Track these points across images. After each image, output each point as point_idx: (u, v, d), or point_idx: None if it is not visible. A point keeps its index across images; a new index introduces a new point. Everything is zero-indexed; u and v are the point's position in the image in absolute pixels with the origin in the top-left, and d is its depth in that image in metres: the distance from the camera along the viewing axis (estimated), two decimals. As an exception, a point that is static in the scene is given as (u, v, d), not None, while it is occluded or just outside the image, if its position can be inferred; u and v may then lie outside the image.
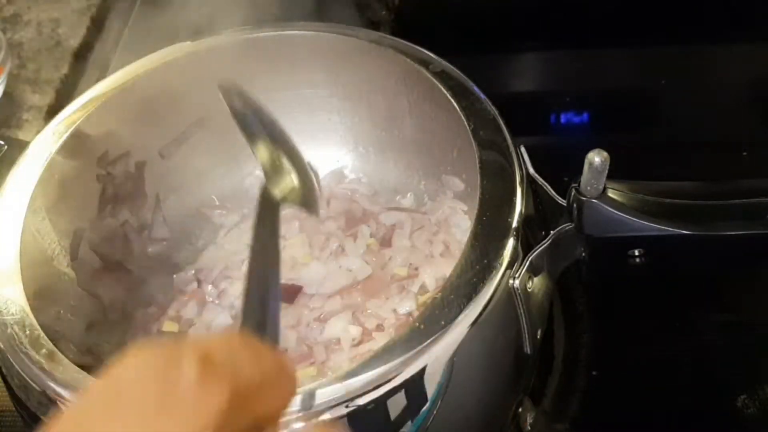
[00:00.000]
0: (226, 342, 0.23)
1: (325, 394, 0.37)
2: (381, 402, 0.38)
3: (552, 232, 0.47)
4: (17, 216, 0.47)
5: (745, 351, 0.56)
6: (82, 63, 0.82)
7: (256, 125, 0.39)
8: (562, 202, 0.49)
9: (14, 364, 0.41)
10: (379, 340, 0.52)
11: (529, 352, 0.47)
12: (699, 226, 0.48)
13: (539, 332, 0.48)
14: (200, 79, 0.59)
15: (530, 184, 0.48)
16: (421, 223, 0.59)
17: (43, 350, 0.41)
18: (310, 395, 0.37)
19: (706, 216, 0.49)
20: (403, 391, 0.39)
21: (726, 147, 0.70)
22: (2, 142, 0.55)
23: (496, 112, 0.50)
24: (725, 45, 0.79)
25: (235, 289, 0.57)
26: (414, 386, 0.39)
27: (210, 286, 0.57)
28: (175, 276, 0.59)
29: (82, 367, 0.40)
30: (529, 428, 0.53)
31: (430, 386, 0.40)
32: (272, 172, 0.37)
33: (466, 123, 0.49)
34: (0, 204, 0.48)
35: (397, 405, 0.39)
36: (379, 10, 0.82)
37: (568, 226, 0.48)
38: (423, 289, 0.55)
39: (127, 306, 0.57)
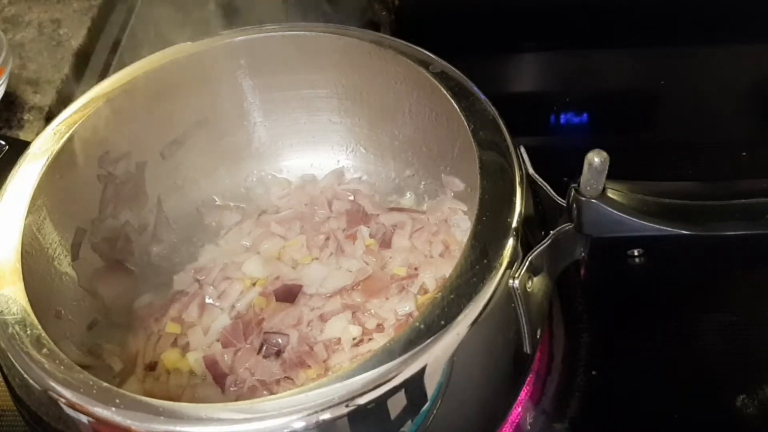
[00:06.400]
0: None
1: (325, 394, 0.37)
2: (381, 401, 0.38)
3: (552, 232, 0.47)
4: (18, 216, 0.48)
5: (744, 351, 0.56)
6: (83, 63, 0.82)
7: None
8: (562, 202, 0.49)
9: (15, 363, 0.41)
10: (379, 340, 0.52)
11: (528, 351, 0.47)
12: (698, 226, 0.48)
13: (539, 332, 0.48)
14: (201, 79, 0.59)
15: (530, 184, 0.48)
16: (421, 223, 0.59)
17: (44, 350, 0.41)
18: (311, 395, 0.37)
19: (705, 216, 0.49)
20: (403, 390, 0.39)
21: (726, 147, 0.70)
22: (3, 143, 0.55)
23: (496, 113, 0.50)
24: (725, 45, 0.79)
25: (235, 290, 0.57)
26: (414, 386, 0.39)
27: (210, 288, 0.58)
28: (175, 276, 0.59)
29: (83, 366, 0.40)
30: (528, 428, 0.53)
31: (430, 386, 0.40)
32: None
33: (466, 123, 0.49)
34: (1, 204, 0.49)
35: (397, 404, 0.39)
36: (380, 10, 0.82)
37: (567, 226, 0.48)
38: (423, 289, 0.55)
39: (128, 306, 0.57)
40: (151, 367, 0.54)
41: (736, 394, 0.53)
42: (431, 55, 0.54)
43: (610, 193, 0.47)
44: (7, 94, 0.74)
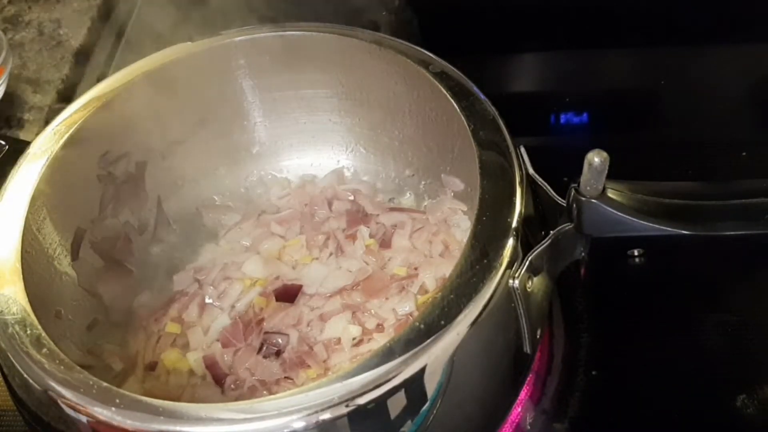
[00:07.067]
0: None
1: (325, 394, 0.37)
2: (381, 401, 0.38)
3: (552, 232, 0.47)
4: (18, 216, 0.48)
5: (744, 351, 0.56)
6: (83, 63, 0.82)
7: None
8: (562, 202, 0.49)
9: (15, 363, 0.41)
10: (379, 340, 0.52)
11: (528, 351, 0.47)
12: (698, 226, 0.48)
13: (539, 332, 0.48)
14: (201, 79, 0.59)
15: (530, 184, 0.48)
16: (421, 223, 0.59)
17: (44, 350, 0.41)
18: (311, 395, 0.37)
19: (705, 216, 0.49)
20: (403, 390, 0.39)
21: (726, 147, 0.70)
22: (3, 142, 0.55)
23: (496, 113, 0.50)
24: (725, 45, 0.79)
25: (235, 290, 0.57)
26: (414, 386, 0.39)
27: (210, 288, 0.58)
28: (175, 276, 0.59)
29: (83, 366, 0.40)
30: (528, 428, 0.53)
31: (430, 386, 0.40)
32: None
33: (466, 123, 0.49)
34: (1, 204, 0.49)
35: (397, 404, 0.39)
36: (380, 10, 0.82)
37: (567, 226, 0.48)
38: (423, 289, 0.55)
39: (128, 306, 0.57)
40: (151, 367, 0.54)
41: (736, 394, 0.53)
42: (431, 55, 0.54)
43: (610, 193, 0.47)
44: (7, 94, 0.74)
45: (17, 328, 0.42)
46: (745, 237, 0.48)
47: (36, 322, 0.42)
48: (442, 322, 0.39)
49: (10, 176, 0.50)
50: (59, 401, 0.39)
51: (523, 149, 0.49)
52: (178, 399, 0.51)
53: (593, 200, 0.47)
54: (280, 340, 0.53)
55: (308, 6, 0.67)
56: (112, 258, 0.57)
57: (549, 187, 0.50)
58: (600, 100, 0.76)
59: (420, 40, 0.56)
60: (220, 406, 0.38)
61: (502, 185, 0.46)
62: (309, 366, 0.51)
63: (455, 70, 0.53)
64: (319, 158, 0.65)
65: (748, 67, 0.78)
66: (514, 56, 0.82)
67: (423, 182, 0.62)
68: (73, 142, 0.52)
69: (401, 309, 0.53)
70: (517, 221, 0.44)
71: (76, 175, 0.53)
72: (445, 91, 0.52)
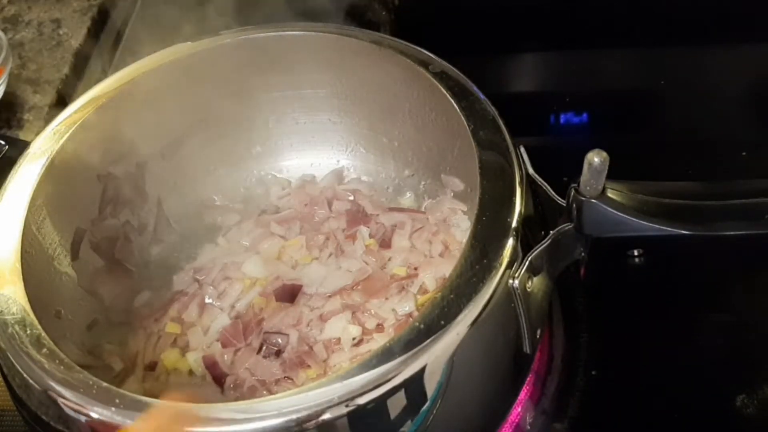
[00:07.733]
0: None
1: (325, 394, 0.37)
2: (381, 401, 0.38)
3: (551, 232, 0.47)
4: (18, 216, 0.48)
5: (744, 351, 0.56)
6: (83, 63, 0.82)
7: None
8: (562, 202, 0.49)
9: (15, 363, 0.41)
10: (379, 340, 0.52)
11: (528, 351, 0.47)
12: (698, 226, 0.48)
13: (538, 332, 0.48)
14: (200, 79, 0.59)
15: (530, 184, 0.48)
16: (421, 223, 0.59)
17: (44, 350, 0.41)
18: (311, 395, 0.37)
19: (705, 216, 0.49)
20: (403, 390, 0.39)
21: (726, 147, 0.70)
22: (3, 142, 0.55)
23: (496, 113, 0.50)
24: (725, 45, 0.79)
25: (235, 290, 0.57)
26: (414, 386, 0.39)
27: (210, 287, 0.57)
28: (175, 276, 0.59)
29: (83, 366, 0.40)
30: (528, 428, 0.53)
31: (430, 386, 0.40)
32: None
33: (466, 123, 0.49)
34: (1, 204, 0.49)
35: (397, 404, 0.39)
36: (380, 10, 0.82)
37: (567, 226, 0.48)
38: (423, 289, 0.55)
39: (128, 306, 0.57)
40: (151, 367, 0.54)
41: (736, 394, 0.53)
42: (431, 55, 0.54)
43: (610, 193, 0.47)
44: (7, 94, 0.74)
45: (17, 328, 0.42)
46: (745, 237, 0.48)
47: (36, 322, 0.42)
48: (442, 322, 0.39)
49: (10, 176, 0.50)
50: (59, 401, 0.39)
51: (523, 149, 0.49)
52: (178, 399, 0.51)
53: (593, 200, 0.47)
54: (280, 340, 0.53)
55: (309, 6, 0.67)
56: (112, 258, 0.57)
57: (549, 187, 0.50)
58: (600, 100, 0.76)
59: (420, 40, 0.56)
60: (220, 406, 0.38)
61: (502, 185, 0.46)
62: (309, 366, 0.51)
63: (455, 70, 0.53)
64: (318, 158, 0.66)
65: (748, 67, 0.78)
66: (514, 56, 0.82)
67: (423, 182, 0.62)
68: (73, 143, 0.52)
69: (401, 309, 0.53)
70: (517, 221, 0.44)
71: (76, 176, 0.53)
72: (445, 91, 0.52)
